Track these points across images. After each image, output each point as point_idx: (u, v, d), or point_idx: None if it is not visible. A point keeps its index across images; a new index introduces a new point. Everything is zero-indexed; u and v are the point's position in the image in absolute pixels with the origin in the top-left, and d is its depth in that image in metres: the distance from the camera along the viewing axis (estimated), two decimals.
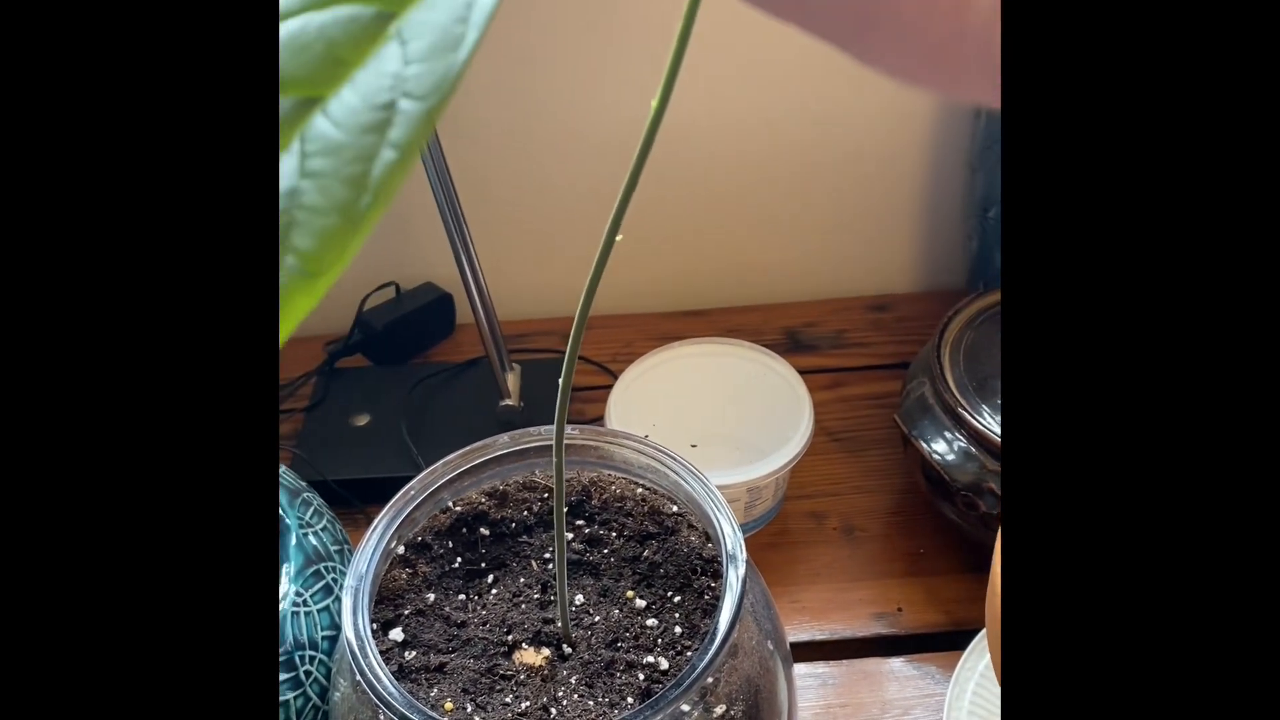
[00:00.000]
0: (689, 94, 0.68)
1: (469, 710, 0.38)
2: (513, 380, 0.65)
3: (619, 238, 0.31)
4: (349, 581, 0.39)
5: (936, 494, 0.57)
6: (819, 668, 0.54)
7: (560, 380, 0.33)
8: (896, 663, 0.55)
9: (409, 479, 0.44)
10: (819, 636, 0.56)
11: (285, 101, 0.18)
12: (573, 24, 0.65)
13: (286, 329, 0.18)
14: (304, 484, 0.51)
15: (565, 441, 0.44)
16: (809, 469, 0.64)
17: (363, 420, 0.66)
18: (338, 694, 0.40)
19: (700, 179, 0.72)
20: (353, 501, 0.62)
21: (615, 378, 0.63)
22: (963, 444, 0.55)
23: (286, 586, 0.44)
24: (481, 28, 0.18)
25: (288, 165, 0.17)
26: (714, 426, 0.63)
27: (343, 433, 0.66)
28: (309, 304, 0.18)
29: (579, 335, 0.32)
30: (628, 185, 0.29)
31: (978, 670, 0.51)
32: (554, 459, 0.36)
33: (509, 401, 0.64)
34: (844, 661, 0.55)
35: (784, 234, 0.75)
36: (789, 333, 0.74)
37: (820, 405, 0.64)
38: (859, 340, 0.73)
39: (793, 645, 0.45)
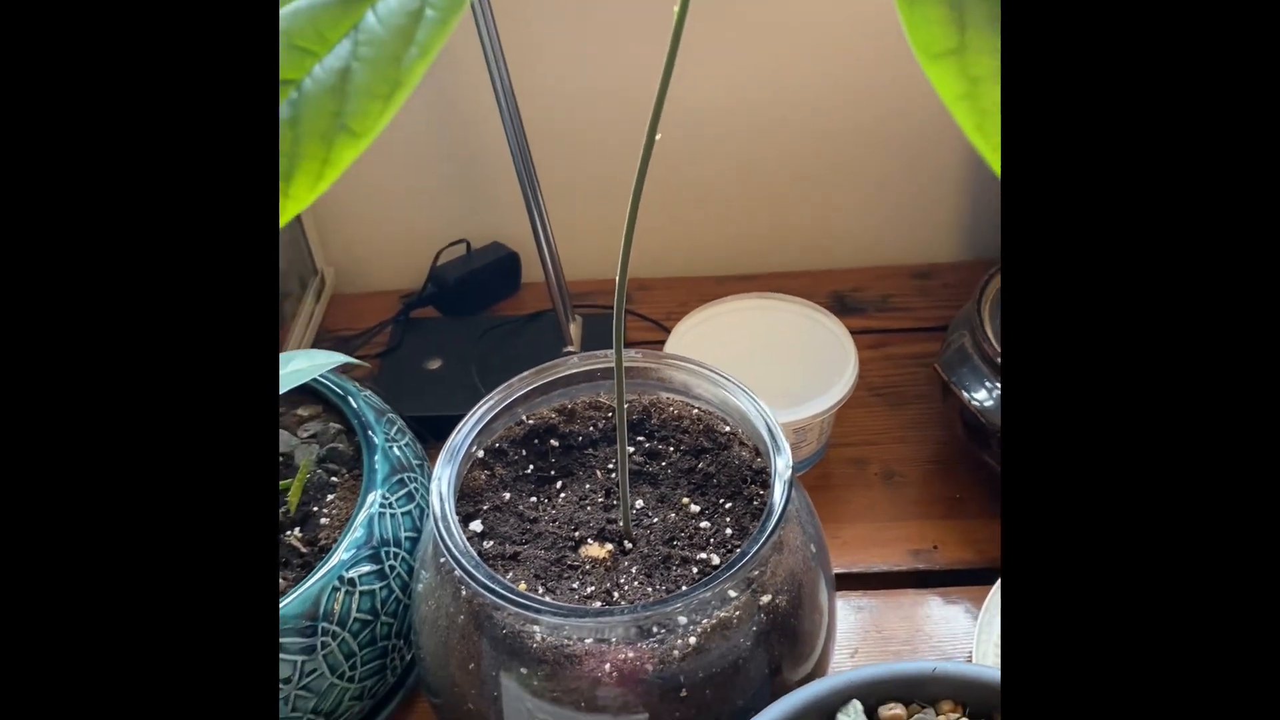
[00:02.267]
0: (741, 62, 0.72)
1: (540, 592, 0.42)
2: (575, 330, 0.70)
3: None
4: (436, 472, 0.43)
5: (974, 441, 0.61)
6: (857, 599, 0.58)
7: (616, 279, 0.37)
8: (930, 595, 0.58)
9: None
10: (857, 569, 0.60)
11: None
12: None
13: (331, 178, 0.23)
14: (387, 405, 0.55)
15: (627, 365, 0.48)
16: (852, 420, 0.67)
17: (435, 364, 0.71)
18: (420, 585, 0.45)
19: (752, 147, 0.76)
20: (425, 437, 0.67)
21: (669, 334, 0.67)
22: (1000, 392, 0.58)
23: (375, 493, 0.49)
24: None
25: (344, 49, 0.22)
26: (763, 376, 0.66)
27: (417, 375, 0.71)
28: (352, 156, 0.22)
29: (629, 244, 0.36)
30: (646, 145, 0.32)
31: None
32: (615, 371, 0.40)
33: (572, 348, 0.68)
34: (881, 593, 0.58)
35: (832, 202, 0.79)
36: (836, 296, 0.78)
37: (864, 363, 0.67)
38: (903, 305, 0.77)
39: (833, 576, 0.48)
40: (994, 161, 0.20)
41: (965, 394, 0.59)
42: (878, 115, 0.74)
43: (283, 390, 0.40)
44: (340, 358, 0.44)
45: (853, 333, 0.66)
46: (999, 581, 0.55)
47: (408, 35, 0.21)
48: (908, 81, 0.73)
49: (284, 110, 0.21)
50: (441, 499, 0.42)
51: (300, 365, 0.41)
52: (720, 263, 0.81)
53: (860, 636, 0.56)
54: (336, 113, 0.21)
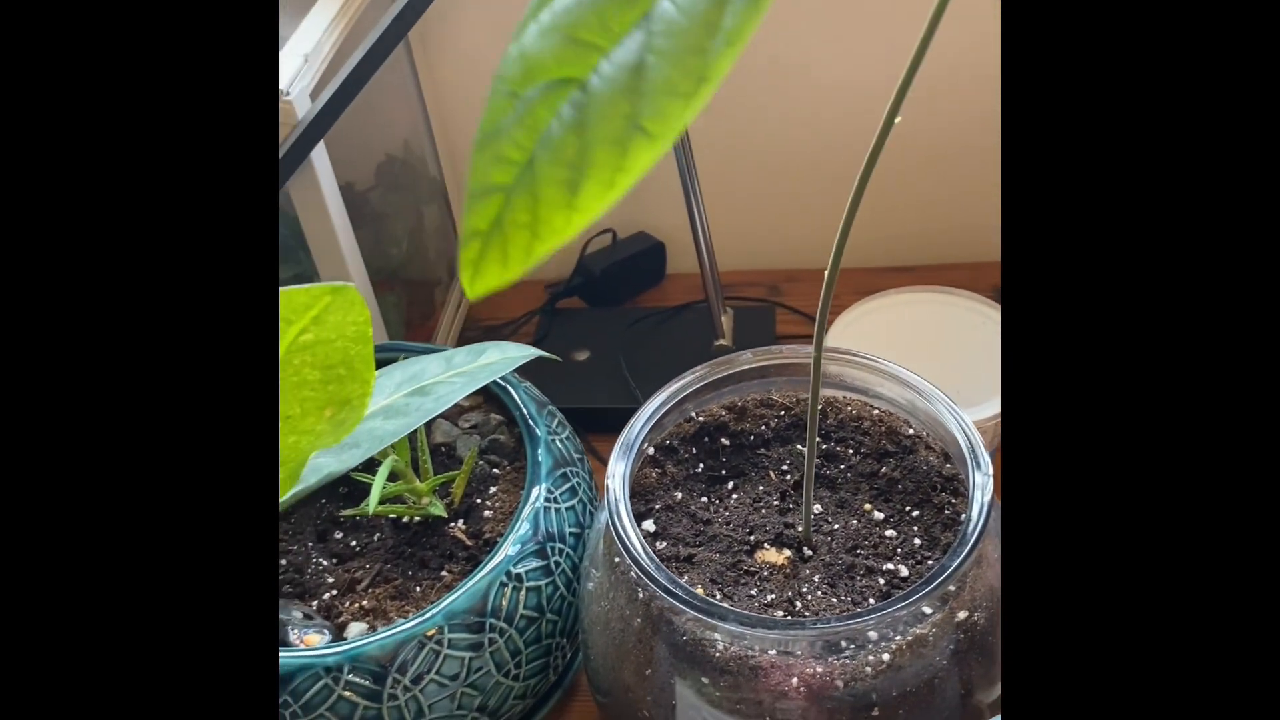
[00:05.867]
0: (901, 41, 0.69)
1: (718, 598, 0.40)
2: (727, 323, 0.67)
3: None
4: (611, 469, 0.42)
5: None
6: None
7: (826, 273, 0.35)
8: None
9: (629, 410, 0.46)
10: None
11: None
12: None
13: (626, 185, 0.20)
14: (546, 398, 0.54)
15: (799, 361, 0.46)
16: None
17: (583, 355, 0.70)
18: (591, 584, 0.44)
19: (913, 137, 0.72)
20: (578, 429, 0.66)
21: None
22: None
23: (539, 487, 0.48)
24: None
25: (634, 41, 0.19)
26: (929, 374, 0.63)
27: (565, 366, 0.70)
28: (649, 161, 0.19)
29: (843, 242, 0.34)
30: (883, 127, 0.30)
31: None
32: (813, 353, 0.38)
33: (723, 341, 0.66)
34: None
35: (993, 189, 0.75)
36: (999, 291, 0.74)
37: None
38: None
39: None
40: None
41: None
42: None
43: (481, 384, 0.39)
44: (532, 351, 0.43)
45: None
46: None
47: (712, 22, 0.19)
48: None
49: (566, 113, 0.19)
50: (617, 498, 0.40)
51: (493, 358, 0.40)
52: (874, 254, 0.77)
53: None
54: (630, 114, 0.19)
